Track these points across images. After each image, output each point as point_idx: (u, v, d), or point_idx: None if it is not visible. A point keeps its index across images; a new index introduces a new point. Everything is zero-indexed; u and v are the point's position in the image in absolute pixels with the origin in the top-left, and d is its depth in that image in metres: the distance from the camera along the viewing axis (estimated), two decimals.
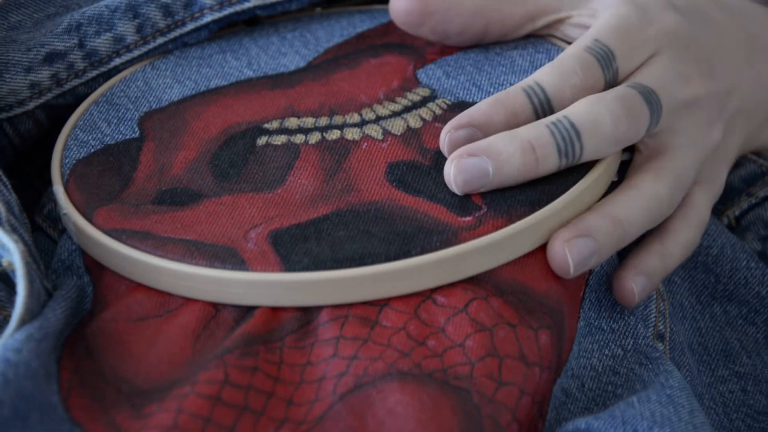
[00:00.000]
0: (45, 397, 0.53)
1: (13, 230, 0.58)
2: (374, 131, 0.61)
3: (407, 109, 0.63)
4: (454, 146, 0.58)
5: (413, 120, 0.62)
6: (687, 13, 0.63)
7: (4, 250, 0.57)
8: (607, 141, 0.57)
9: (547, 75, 0.59)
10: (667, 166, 0.59)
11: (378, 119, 0.62)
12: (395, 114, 0.62)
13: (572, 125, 0.57)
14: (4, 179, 0.61)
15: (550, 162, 0.57)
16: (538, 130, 0.57)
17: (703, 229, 0.62)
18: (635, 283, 0.58)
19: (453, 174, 0.57)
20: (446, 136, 0.58)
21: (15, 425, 0.51)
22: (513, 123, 0.58)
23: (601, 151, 0.57)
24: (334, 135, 0.61)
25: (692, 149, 0.60)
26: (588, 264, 0.56)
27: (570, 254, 0.56)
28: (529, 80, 0.59)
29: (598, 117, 0.57)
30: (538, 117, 0.59)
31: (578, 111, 0.57)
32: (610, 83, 0.60)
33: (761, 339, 0.64)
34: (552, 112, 0.59)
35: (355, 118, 0.62)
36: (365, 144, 0.60)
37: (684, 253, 0.61)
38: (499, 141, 0.57)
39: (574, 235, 0.56)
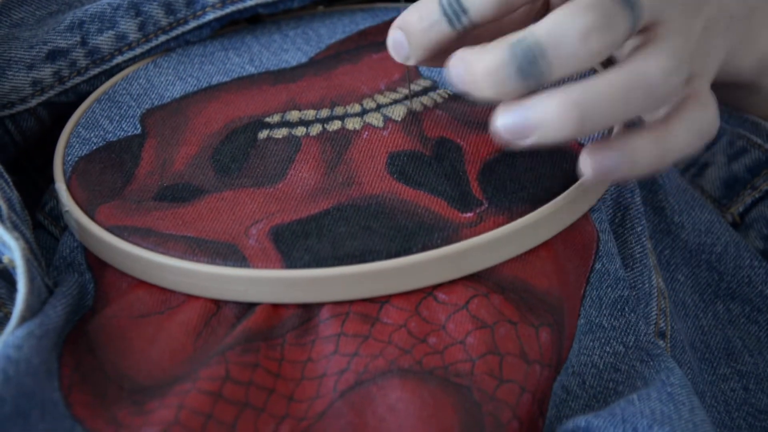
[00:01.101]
0: (46, 394, 0.53)
1: (14, 227, 0.58)
2: (375, 119, 0.61)
3: (408, 98, 0.63)
4: (389, 45, 0.58)
5: (414, 105, 0.62)
6: None
7: (5, 247, 0.57)
8: (577, 57, 0.53)
9: None
10: (659, 45, 0.54)
11: (379, 107, 0.62)
12: (396, 101, 0.62)
13: (537, 43, 0.53)
14: (6, 176, 0.61)
15: (509, 85, 0.53)
16: (498, 51, 0.53)
17: (717, 116, 0.57)
18: (593, 155, 0.55)
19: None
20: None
21: (16, 422, 0.51)
22: (421, 25, 0.57)
23: (574, 67, 0.53)
24: (335, 125, 0.61)
25: (681, 38, 0.56)
26: (526, 137, 0.53)
27: (502, 120, 0.54)
28: None
29: (564, 31, 0.52)
30: (448, 17, 0.56)
31: (544, 26, 0.53)
32: None
33: (764, 338, 0.64)
34: (464, 12, 0.56)
35: (356, 107, 0.62)
36: (366, 133, 0.60)
37: (693, 137, 0.56)
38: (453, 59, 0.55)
39: (513, 107, 0.54)
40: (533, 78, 0.53)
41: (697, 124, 0.56)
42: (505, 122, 0.54)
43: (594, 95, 0.53)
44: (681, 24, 0.56)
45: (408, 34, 0.58)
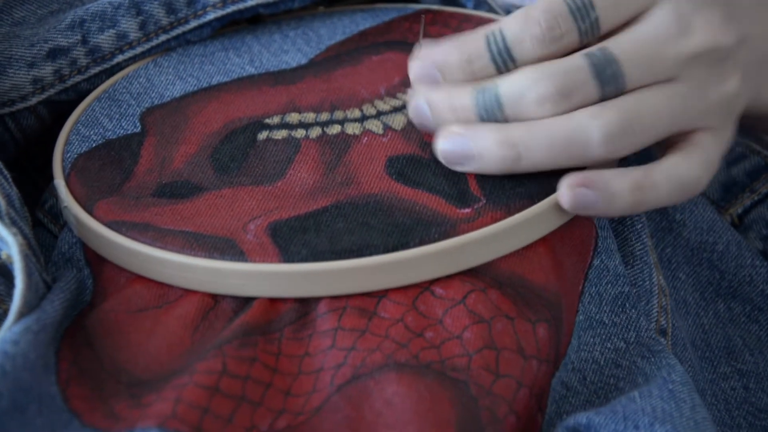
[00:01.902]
0: (43, 388, 0.53)
1: (12, 223, 0.58)
2: (375, 126, 0.61)
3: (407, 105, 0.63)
4: (413, 76, 0.59)
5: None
6: None
7: (3, 243, 0.57)
8: (532, 116, 0.57)
9: (510, 22, 0.58)
10: (619, 106, 0.57)
11: (379, 114, 0.62)
12: (396, 109, 0.62)
13: (497, 97, 0.57)
14: (5, 172, 0.61)
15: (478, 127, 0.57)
16: (465, 92, 0.58)
17: (709, 170, 0.59)
18: (572, 190, 0.56)
19: (410, 113, 0.60)
20: (411, 66, 0.60)
21: (14, 417, 0.51)
22: (468, 69, 0.58)
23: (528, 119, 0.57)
24: (334, 129, 0.61)
25: (674, 98, 0.58)
26: (465, 163, 0.57)
27: (442, 144, 0.58)
28: (494, 25, 0.58)
29: (523, 92, 0.56)
30: (496, 65, 0.58)
31: (508, 82, 0.57)
32: (588, 35, 0.58)
33: (764, 337, 0.64)
34: (513, 61, 0.58)
35: (356, 113, 0.62)
36: (366, 138, 0.61)
37: (672, 186, 0.57)
38: (436, 97, 0.58)
39: (457, 131, 0.57)
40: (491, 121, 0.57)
41: (681, 179, 0.58)
42: (444, 148, 0.58)
43: (531, 139, 0.56)
44: (693, 84, 0.58)
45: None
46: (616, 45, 0.57)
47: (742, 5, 0.61)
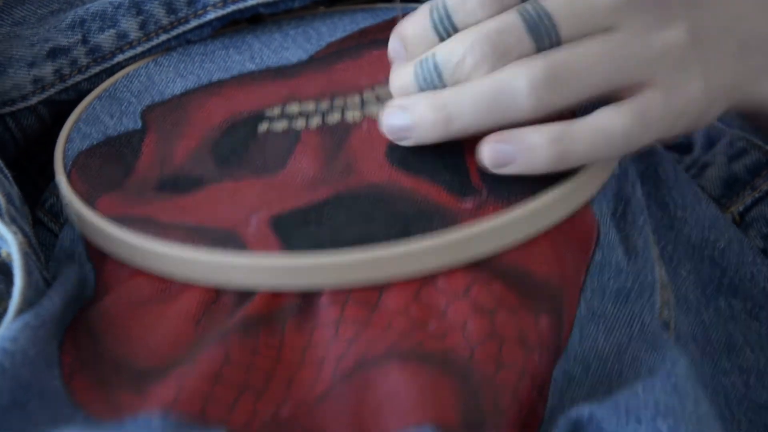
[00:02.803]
0: (45, 383, 0.53)
1: (12, 221, 0.58)
2: (375, 110, 0.61)
3: None
4: (389, 55, 0.60)
5: None
6: None
7: (3, 241, 0.57)
8: (470, 79, 0.57)
9: None
10: (546, 58, 0.56)
11: (378, 99, 0.62)
12: None
13: (435, 66, 0.57)
14: (5, 171, 0.61)
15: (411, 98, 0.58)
16: (406, 69, 0.58)
17: (647, 126, 0.56)
18: (489, 146, 0.56)
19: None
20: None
21: (13, 413, 0.51)
22: (418, 41, 0.58)
23: (462, 79, 0.57)
24: (335, 118, 0.61)
25: (611, 47, 0.56)
26: (404, 136, 0.58)
27: (383, 118, 0.58)
28: None
29: (459, 58, 0.56)
30: (438, 33, 0.58)
31: (444, 49, 0.57)
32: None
33: (765, 334, 0.64)
34: (454, 28, 0.57)
35: (356, 99, 0.62)
36: (366, 125, 0.61)
37: (595, 138, 0.56)
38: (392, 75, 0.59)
39: (395, 106, 0.58)
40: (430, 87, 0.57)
41: (606, 131, 0.56)
42: (386, 123, 0.58)
43: (459, 98, 0.56)
44: (634, 32, 0.56)
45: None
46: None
47: None
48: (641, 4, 0.57)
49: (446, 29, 0.58)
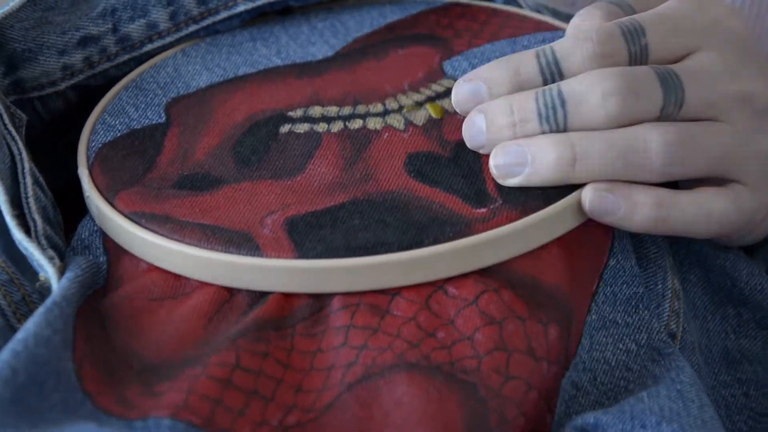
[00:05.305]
0: (61, 364, 0.53)
1: (48, 243, 0.59)
2: (396, 121, 0.61)
3: (430, 99, 0.63)
4: (459, 98, 0.59)
5: (435, 111, 0.62)
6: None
7: (41, 267, 0.58)
8: (594, 114, 0.56)
9: (562, 39, 0.58)
10: (679, 126, 0.56)
11: (400, 109, 0.62)
12: (418, 104, 0.63)
13: (559, 93, 0.56)
14: (41, 180, 0.62)
15: (528, 126, 0.57)
16: (525, 94, 0.57)
17: (740, 214, 0.58)
18: (596, 191, 0.56)
19: (463, 130, 0.59)
20: (454, 89, 0.59)
21: (31, 390, 0.52)
22: (516, 80, 0.58)
23: (590, 122, 0.56)
24: (356, 124, 0.62)
25: (724, 137, 0.58)
26: (516, 172, 0.57)
27: (495, 155, 0.57)
28: (546, 45, 0.58)
29: (588, 88, 0.56)
30: (544, 78, 0.58)
31: (572, 80, 0.56)
32: (636, 58, 0.58)
33: None
34: (560, 75, 0.58)
35: (378, 107, 0.63)
36: (386, 134, 0.61)
37: (698, 212, 0.57)
38: (493, 102, 0.58)
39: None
40: (548, 125, 0.57)
41: (709, 209, 0.58)
42: (497, 162, 0.57)
43: (589, 141, 0.56)
44: (739, 129, 0.58)
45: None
46: (677, 66, 0.57)
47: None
48: (748, 106, 0.58)
49: (552, 75, 0.58)
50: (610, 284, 0.58)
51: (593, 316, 0.57)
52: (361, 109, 0.63)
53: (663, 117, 0.57)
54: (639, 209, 0.56)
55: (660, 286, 0.59)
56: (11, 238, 0.59)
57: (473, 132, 0.58)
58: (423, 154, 0.59)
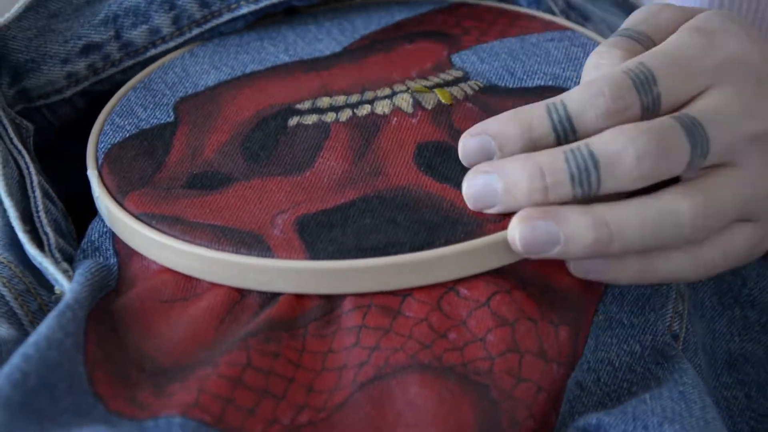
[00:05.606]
0: (73, 367, 0.53)
1: (62, 254, 0.59)
2: (404, 102, 0.61)
3: (438, 86, 0.63)
4: (466, 154, 0.56)
5: (444, 96, 0.62)
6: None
7: (56, 281, 0.59)
8: (629, 176, 0.53)
9: (573, 93, 0.55)
10: (703, 188, 0.55)
11: (408, 90, 0.62)
12: (426, 88, 0.63)
13: (591, 155, 0.53)
14: (51, 192, 0.62)
15: (561, 190, 0.54)
16: (553, 155, 0.54)
17: (733, 262, 0.57)
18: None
19: (465, 188, 0.56)
20: (461, 142, 0.57)
21: (43, 394, 0.52)
22: (527, 137, 0.55)
23: (624, 185, 0.54)
24: (364, 110, 0.62)
25: (744, 185, 0.56)
26: (545, 251, 0.54)
27: (521, 231, 0.54)
28: (555, 98, 0.56)
29: (621, 149, 0.53)
30: (557, 135, 0.55)
31: (602, 140, 0.54)
32: (650, 110, 0.55)
33: None
34: (573, 132, 0.55)
35: (386, 91, 0.63)
36: (395, 119, 0.61)
37: (728, 258, 0.57)
38: (511, 161, 0.55)
39: (538, 216, 0.54)
40: (581, 188, 0.54)
41: (736, 249, 0.57)
42: (525, 236, 0.54)
43: (622, 218, 0.54)
44: (756, 174, 0.56)
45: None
46: (696, 112, 0.56)
47: None
48: (762, 144, 0.57)
49: (565, 132, 0.55)
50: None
51: (600, 316, 0.57)
52: (369, 95, 0.63)
53: (687, 170, 0.55)
54: (674, 266, 0.56)
55: (664, 286, 0.59)
56: None
57: (483, 192, 0.55)
58: (433, 144, 0.59)
